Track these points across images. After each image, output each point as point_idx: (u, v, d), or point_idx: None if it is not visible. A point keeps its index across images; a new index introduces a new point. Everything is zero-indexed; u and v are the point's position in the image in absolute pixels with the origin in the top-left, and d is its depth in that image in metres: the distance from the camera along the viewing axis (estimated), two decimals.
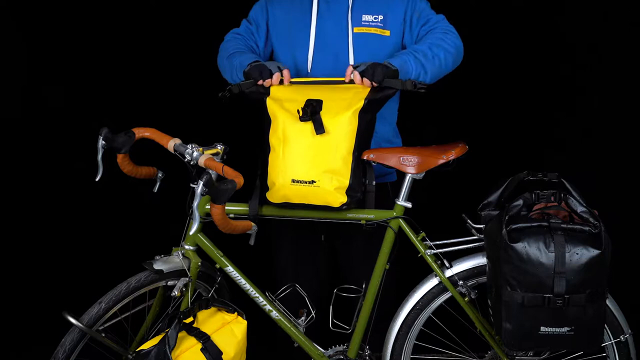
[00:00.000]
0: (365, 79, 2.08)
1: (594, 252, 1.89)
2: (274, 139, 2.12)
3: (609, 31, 3.09)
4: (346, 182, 2.08)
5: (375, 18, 2.34)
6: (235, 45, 2.37)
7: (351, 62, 2.32)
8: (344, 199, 2.09)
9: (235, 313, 2.06)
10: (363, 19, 2.34)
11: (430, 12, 2.37)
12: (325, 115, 2.07)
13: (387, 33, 2.34)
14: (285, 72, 2.16)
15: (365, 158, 2.15)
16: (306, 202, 2.11)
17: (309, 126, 2.06)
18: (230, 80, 2.30)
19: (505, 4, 3.16)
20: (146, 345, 1.88)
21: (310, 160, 2.07)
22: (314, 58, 2.34)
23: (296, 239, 2.47)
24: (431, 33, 2.30)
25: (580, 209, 2.00)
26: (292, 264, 2.50)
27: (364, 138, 2.13)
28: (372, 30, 2.34)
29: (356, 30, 2.33)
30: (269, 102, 2.13)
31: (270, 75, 2.13)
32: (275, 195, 2.12)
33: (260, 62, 2.18)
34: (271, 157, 2.13)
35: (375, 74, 2.07)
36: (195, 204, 1.90)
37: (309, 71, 2.35)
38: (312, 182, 2.07)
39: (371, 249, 2.32)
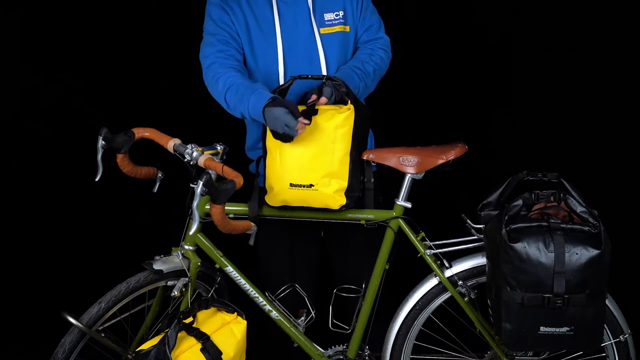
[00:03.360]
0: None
1: (594, 252, 1.89)
2: (270, 142, 2.12)
3: (613, 31, 3.09)
4: (345, 183, 2.09)
5: (336, 15, 2.30)
6: (223, 79, 2.17)
7: (322, 64, 2.26)
8: (343, 200, 2.09)
9: (235, 313, 2.06)
10: (326, 19, 2.30)
11: (374, 16, 2.37)
12: (320, 118, 2.07)
13: (348, 29, 2.32)
14: (299, 127, 2.00)
15: (365, 158, 2.16)
16: (305, 205, 2.12)
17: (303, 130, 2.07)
18: (237, 116, 2.20)
19: (509, 4, 3.16)
20: (146, 346, 1.88)
21: (307, 164, 2.07)
22: (286, 65, 2.25)
23: (291, 236, 2.46)
24: (376, 48, 2.34)
25: (579, 209, 2.00)
26: (287, 262, 2.49)
27: (360, 137, 2.13)
28: (337, 28, 2.30)
29: (322, 31, 2.28)
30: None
31: (292, 138, 2.02)
32: (274, 199, 2.13)
33: (272, 130, 2.05)
34: (268, 161, 2.14)
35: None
36: (194, 204, 1.90)
37: (283, 80, 2.25)
38: (311, 185, 2.08)
39: (367, 247, 2.33)
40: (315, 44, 2.26)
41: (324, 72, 2.26)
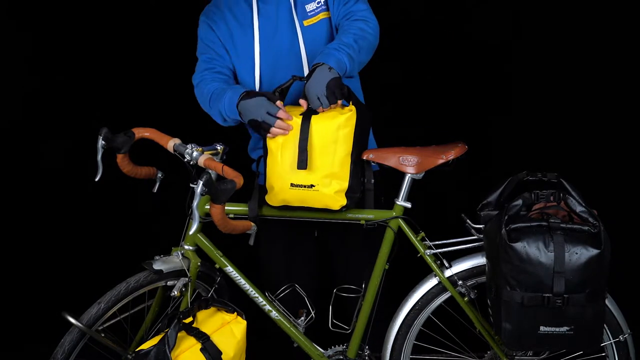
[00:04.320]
0: (336, 103, 2.05)
1: (593, 251, 1.89)
2: (271, 142, 2.12)
3: (613, 31, 3.09)
4: (345, 184, 2.09)
5: (318, 3, 2.25)
6: (205, 91, 2.24)
7: (304, 60, 2.22)
8: (343, 201, 2.10)
9: (235, 313, 2.06)
10: (307, 10, 2.25)
11: None
12: (321, 118, 2.07)
13: (329, 14, 2.27)
14: (281, 114, 2.04)
15: (364, 158, 2.16)
16: (305, 206, 2.12)
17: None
18: (222, 123, 2.25)
19: (509, 5, 3.16)
20: (146, 345, 1.88)
21: (309, 164, 2.07)
22: (263, 64, 2.25)
23: (290, 236, 2.46)
24: (352, 21, 2.21)
25: (579, 208, 2.00)
26: (286, 262, 2.49)
27: (361, 138, 2.13)
28: (320, 16, 2.26)
29: (306, 23, 2.25)
30: None
31: (269, 127, 2.04)
32: (274, 199, 2.13)
33: (249, 119, 2.07)
34: (269, 161, 2.13)
35: (336, 94, 2.02)
36: (194, 204, 1.90)
37: (259, 84, 2.25)
38: (312, 186, 2.08)
39: (366, 247, 2.33)
40: (297, 39, 2.24)
41: (305, 67, 2.24)
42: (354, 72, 2.20)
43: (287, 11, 2.26)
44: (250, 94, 2.10)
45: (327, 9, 2.27)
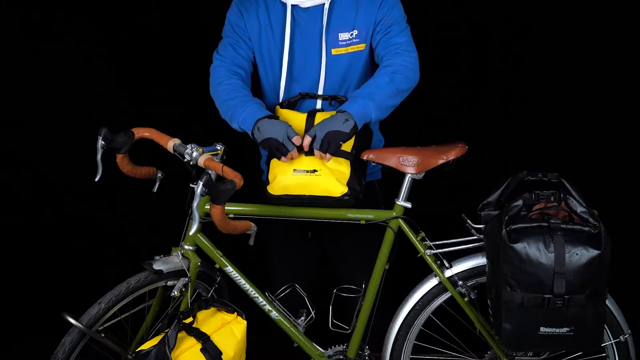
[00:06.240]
0: (318, 152, 2.06)
1: (594, 252, 1.89)
2: None
3: (613, 30, 3.09)
4: (347, 172, 2.10)
5: (351, 35, 2.22)
6: (224, 84, 2.23)
7: (321, 85, 2.22)
8: (344, 189, 2.10)
9: (235, 313, 2.06)
10: (340, 39, 2.22)
11: (393, 23, 2.22)
12: (325, 115, 2.11)
13: (363, 47, 2.24)
14: (296, 139, 2.06)
15: (364, 158, 2.16)
16: (307, 194, 2.11)
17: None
18: (222, 116, 2.24)
19: (508, 5, 3.15)
20: (146, 346, 1.88)
21: (312, 155, 2.09)
22: (289, 79, 2.26)
23: (290, 236, 2.47)
24: (392, 56, 2.17)
25: (580, 209, 2.00)
26: (286, 262, 2.49)
27: (362, 138, 2.15)
28: (351, 49, 2.23)
29: (334, 52, 2.23)
30: (277, 110, 2.19)
31: (287, 152, 2.06)
32: (276, 186, 2.13)
33: (269, 137, 2.06)
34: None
35: (329, 147, 2.04)
36: (194, 204, 1.90)
37: (282, 93, 2.27)
38: (314, 171, 2.08)
39: (363, 247, 2.33)
40: (320, 64, 2.23)
41: (320, 92, 2.24)
42: (386, 115, 2.18)
43: (318, 33, 2.23)
44: (274, 117, 2.12)
45: (361, 42, 2.23)
